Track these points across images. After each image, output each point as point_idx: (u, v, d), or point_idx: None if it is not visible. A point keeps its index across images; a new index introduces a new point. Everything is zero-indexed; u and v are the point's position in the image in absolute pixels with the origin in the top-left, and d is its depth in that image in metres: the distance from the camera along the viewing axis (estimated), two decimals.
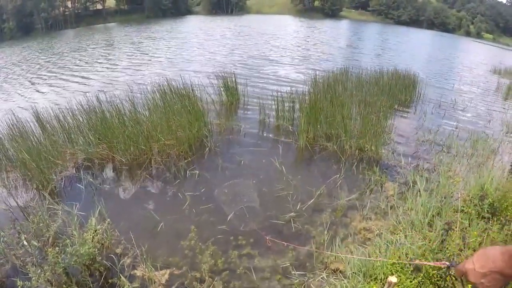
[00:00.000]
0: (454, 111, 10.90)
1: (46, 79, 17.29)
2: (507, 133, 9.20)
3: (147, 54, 23.61)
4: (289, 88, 10.86)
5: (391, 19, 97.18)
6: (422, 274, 3.53)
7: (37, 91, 14.96)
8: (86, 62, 21.78)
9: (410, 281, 3.44)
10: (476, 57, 38.14)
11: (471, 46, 58.03)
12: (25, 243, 4.46)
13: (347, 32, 52.54)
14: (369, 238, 4.66)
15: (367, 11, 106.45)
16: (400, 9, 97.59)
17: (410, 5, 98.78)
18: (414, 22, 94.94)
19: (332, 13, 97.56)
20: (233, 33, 39.04)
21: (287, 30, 46.21)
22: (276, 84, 12.89)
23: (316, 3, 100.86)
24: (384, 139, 7.39)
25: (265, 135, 8.29)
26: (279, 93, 8.95)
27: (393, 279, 2.70)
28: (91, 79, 16.26)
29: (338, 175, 6.22)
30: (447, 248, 3.88)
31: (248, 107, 10.21)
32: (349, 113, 7.85)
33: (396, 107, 10.33)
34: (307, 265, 4.25)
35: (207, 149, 7.34)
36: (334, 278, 3.92)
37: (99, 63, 21.26)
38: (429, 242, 4.01)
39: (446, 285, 3.42)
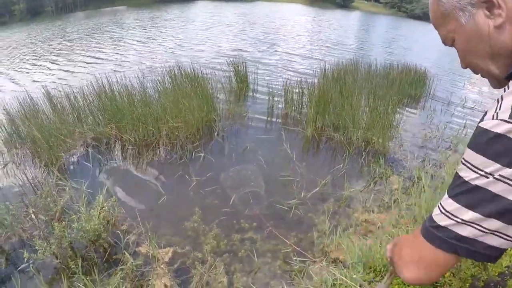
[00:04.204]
0: (463, 109, 10.84)
1: (57, 60, 17.36)
2: None
3: (155, 38, 23.59)
4: (298, 77, 10.89)
5: (404, 12, 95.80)
6: None
7: (49, 71, 15.05)
8: (96, 44, 21.83)
9: None
10: None
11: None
12: (33, 216, 4.55)
13: (358, 24, 52.07)
14: (371, 230, 4.68)
15: (380, 3, 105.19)
16: (414, 3, 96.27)
17: None
18: (427, 16, 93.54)
19: (344, 4, 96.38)
20: (242, 20, 38.80)
21: (297, 19, 45.83)
22: (286, 73, 12.92)
23: None
24: (391, 133, 7.39)
25: (273, 122, 8.32)
26: (288, 82, 8.98)
27: None
28: (101, 61, 16.34)
29: (343, 166, 6.25)
30: None
31: (257, 94, 10.24)
32: (357, 105, 7.83)
33: (405, 101, 10.30)
34: (308, 252, 4.30)
35: (215, 133, 7.39)
36: (334, 267, 3.96)
37: (109, 45, 21.31)
38: None
39: (443, 281, 3.45)
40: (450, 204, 1.02)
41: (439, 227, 1.05)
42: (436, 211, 1.07)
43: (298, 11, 61.90)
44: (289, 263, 4.16)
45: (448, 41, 1.18)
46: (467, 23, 1.05)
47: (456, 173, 1.03)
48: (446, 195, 1.05)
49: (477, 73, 1.16)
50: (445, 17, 1.13)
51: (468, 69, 1.20)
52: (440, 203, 1.07)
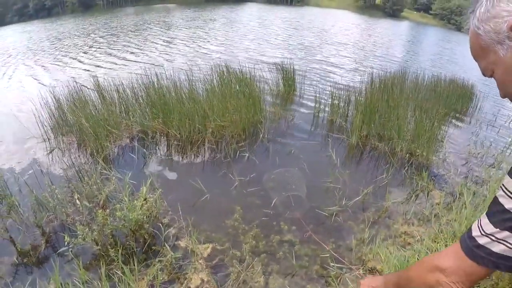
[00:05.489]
0: (509, 127, 10.56)
1: (107, 52, 17.80)
2: None
3: (204, 37, 23.90)
4: (345, 84, 10.87)
5: (453, 25, 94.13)
6: None
7: (99, 63, 15.45)
8: (146, 39, 22.25)
9: None
10: None
11: None
12: (78, 202, 4.67)
13: (407, 34, 51.23)
14: (410, 243, 4.63)
15: (429, 14, 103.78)
16: (463, 15, 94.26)
17: None
18: None
19: (393, 13, 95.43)
20: (286, 25, 38.81)
21: (345, 27, 45.54)
22: (332, 80, 12.89)
23: (378, 1, 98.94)
24: (436, 146, 7.28)
25: (317, 128, 8.29)
26: (334, 89, 8.97)
27: None
28: (150, 56, 16.67)
29: (386, 176, 6.19)
30: None
31: (303, 98, 10.24)
32: (403, 116, 7.75)
33: (451, 115, 10.12)
34: (345, 260, 4.28)
35: (260, 134, 7.43)
36: (371, 276, 3.94)
37: (159, 40, 21.68)
38: None
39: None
40: (491, 228, 1.16)
41: (479, 246, 1.19)
42: (476, 232, 1.22)
43: (346, 18, 61.51)
44: (326, 269, 4.15)
45: (487, 73, 1.25)
46: (505, 56, 1.11)
47: (496, 198, 1.16)
48: (486, 219, 1.20)
49: None
50: (484, 50, 1.19)
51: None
52: (481, 224, 1.21)
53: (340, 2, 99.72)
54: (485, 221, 1.18)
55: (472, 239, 1.20)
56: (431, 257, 1.48)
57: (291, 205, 5.24)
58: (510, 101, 1.24)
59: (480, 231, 1.19)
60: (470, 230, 1.24)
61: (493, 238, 1.13)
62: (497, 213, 1.14)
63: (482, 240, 1.17)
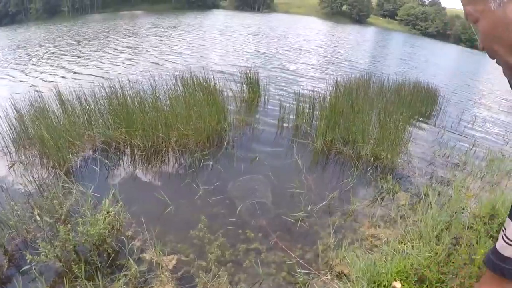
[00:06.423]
0: (472, 128, 10.79)
1: (70, 61, 17.53)
2: None
3: (169, 45, 23.82)
4: (310, 90, 10.91)
5: (418, 30, 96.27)
6: (425, 286, 3.53)
7: (61, 71, 15.19)
8: (110, 48, 22.03)
9: None
10: (503, 77, 37.75)
11: (497, 66, 57.60)
12: (38, 218, 4.53)
13: (373, 40, 52.10)
14: (376, 245, 4.65)
15: (395, 20, 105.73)
16: (428, 21, 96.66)
17: (438, 18, 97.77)
18: (441, 35, 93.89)
19: (359, 19, 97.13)
20: (248, 32, 39.01)
21: (310, 33, 45.98)
22: (297, 86, 12.85)
23: (344, 8, 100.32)
24: (400, 149, 7.37)
25: (283, 134, 8.32)
26: (299, 95, 9.00)
27: (397, 284, 2.72)
28: (114, 64, 16.47)
29: (351, 180, 6.21)
30: (452, 262, 3.86)
31: (268, 105, 10.29)
32: (368, 120, 7.82)
33: (415, 118, 10.28)
34: (312, 265, 4.27)
35: (225, 142, 7.42)
36: (338, 280, 3.94)
37: (123, 48, 21.50)
38: (436, 255, 3.99)
39: None
40: None
41: (505, 258, 1.07)
42: (500, 242, 1.09)
43: (312, 25, 62.05)
44: (293, 275, 4.13)
45: (471, 19, 1.16)
46: (497, 10, 1.04)
47: None
48: (511, 223, 1.07)
49: (493, 58, 1.16)
50: None
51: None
52: (505, 233, 1.08)
53: (308, 9, 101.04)
54: (510, 227, 1.06)
55: (496, 253, 1.09)
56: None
57: (257, 212, 5.20)
58: (489, 57, 1.17)
59: (505, 240, 1.06)
60: (495, 245, 1.13)
61: None
62: None
63: (507, 251, 1.05)
